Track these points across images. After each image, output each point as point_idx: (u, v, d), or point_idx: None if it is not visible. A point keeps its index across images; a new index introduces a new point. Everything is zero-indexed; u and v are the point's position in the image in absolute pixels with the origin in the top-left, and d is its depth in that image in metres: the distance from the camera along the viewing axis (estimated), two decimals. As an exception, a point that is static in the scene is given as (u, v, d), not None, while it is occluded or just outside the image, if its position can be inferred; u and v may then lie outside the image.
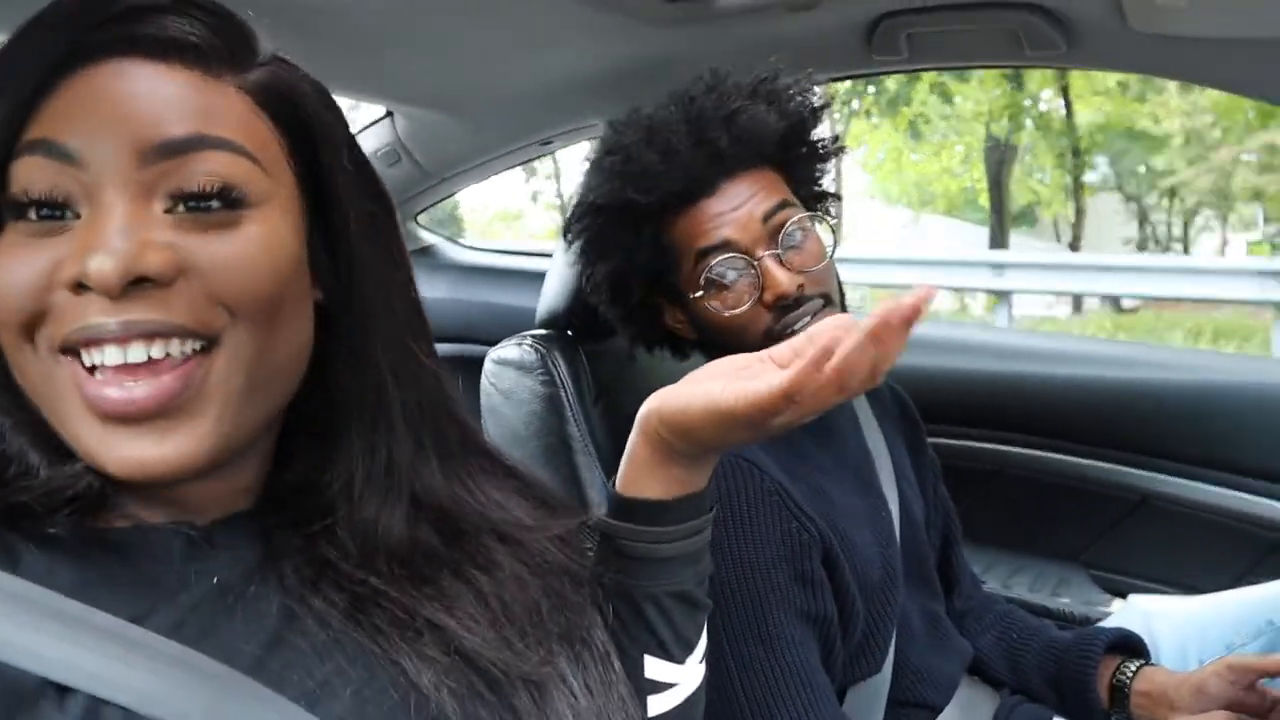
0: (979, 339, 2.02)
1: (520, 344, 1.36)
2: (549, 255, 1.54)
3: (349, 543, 0.65)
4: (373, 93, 1.83)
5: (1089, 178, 16.81)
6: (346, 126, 0.67)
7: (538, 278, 1.51)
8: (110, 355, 0.54)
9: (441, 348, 0.74)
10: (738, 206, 1.11)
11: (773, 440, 1.17)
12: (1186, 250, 15.44)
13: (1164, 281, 8.02)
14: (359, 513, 0.66)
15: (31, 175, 0.55)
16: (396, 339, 0.68)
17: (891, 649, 1.20)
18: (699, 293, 1.12)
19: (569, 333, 1.41)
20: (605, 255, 1.17)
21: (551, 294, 1.42)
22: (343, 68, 1.61)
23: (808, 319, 1.10)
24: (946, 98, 12.92)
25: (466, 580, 0.68)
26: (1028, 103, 12.66)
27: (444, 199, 2.28)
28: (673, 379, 1.36)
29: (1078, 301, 11.97)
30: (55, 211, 0.55)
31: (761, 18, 1.46)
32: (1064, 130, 13.51)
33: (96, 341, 0.54)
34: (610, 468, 1.31)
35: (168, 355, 0.55)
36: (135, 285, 0.54)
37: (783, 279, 1.09)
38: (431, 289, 2.28)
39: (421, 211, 2.36)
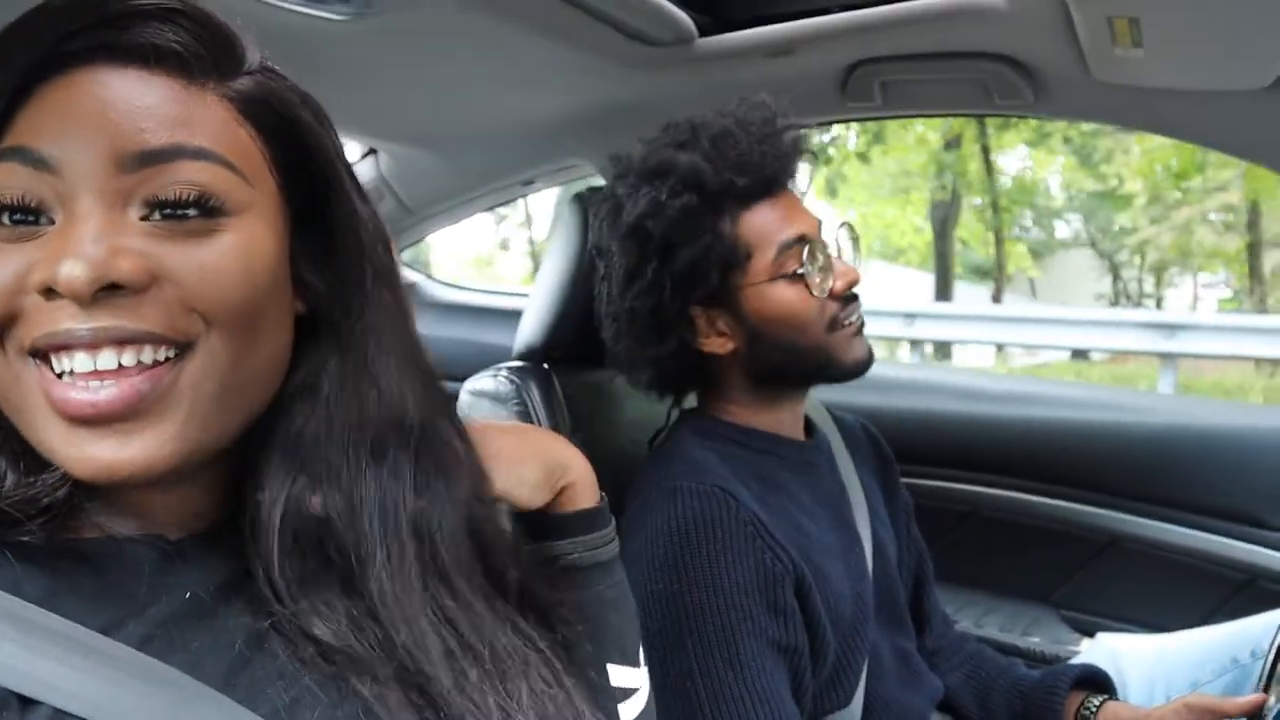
0: (951, 381, 2.05)
1: (495, 375, 1.37)
2: (525, 295, 1.56)
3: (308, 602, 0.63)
4: (355, 129, 1.85)
5: (1061, 233, 17.12)
6: (337, 137, 0.67)
7: (515, 316, 1.52)
8: (80, 362, 0.54)
9: None
10: (800, 209, 1.20)
11: (751, 474, 1.19)
12: (1159, 305, 15.65)
13: (1061, 332, 8.42)
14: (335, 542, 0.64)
15: (5, 181, 0.55)
16: (388, 353, 0.67)
17: (862, 683, 1.21)
18: (779, 277, 1.16)
19: (545, 365, 1.42)
20: (690, 240, 1.15)
21: (529, 327, 1.43)
22: (325, 103, 1.63)
23: (859, 314, 1.21)
24: (865, 160, 13.25)
25: (446, 618, 0.66)
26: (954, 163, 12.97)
27: (425, 237, 2.30)
28: (647, 413, 1.40)
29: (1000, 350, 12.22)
30: (29, 217, 0.55)
31: (741, 63, 1.50)
32: (983, 190, 13.84)
33: (66, 347, 0.54)
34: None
35: (139, 362, 0.55)
36: (107, 292, 0.53)
37: (852, 270, 1.19)
38: (410, 325, 2.28)
39: (404, 249, 2.38)
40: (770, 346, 1.19)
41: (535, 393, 1.34)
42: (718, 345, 1.21)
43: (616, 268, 1.20)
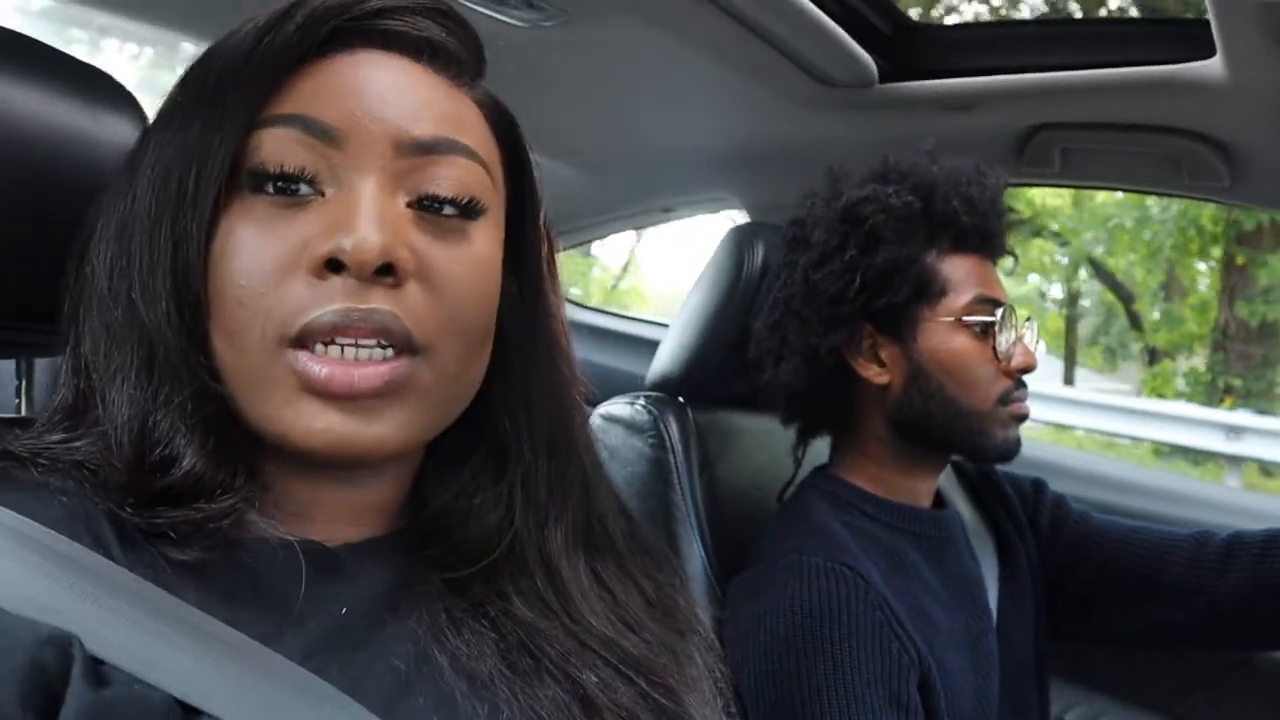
0: (1109, 471, 1.94)
1: (632, 403, 1.33)
2: (662, 324, 1.53)
3: (504, 586, 0.62)
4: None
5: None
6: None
7: (640, 343, 1.49)
8: (347, 351, 0.53)
9: None
10: (1001, 283, 1.19)
11: (881, 552, 1.13)
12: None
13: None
14: (515, 551, 0.63)
15: (283, 149, 0.54)
16: (568, 370, 0.67)
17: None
18: (966, 326, 1.14)
19: (680, 399, 1.38)
20: (898, 241, 1.14)
21: (666, 357, 1.39)
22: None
23: (1025, 400, 1.17)
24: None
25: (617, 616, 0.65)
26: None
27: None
28: (776, 463, 1.35)
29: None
30: (293, 186, 0.54)
31: (915, 113, 1.46)
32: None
33: (345, 330, 0.52)
34: (707, 544, 1.27)
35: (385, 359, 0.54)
36: (377, 275, 0.53)
37: (1033, 354, 1.15)
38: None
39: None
40: (928, 393, 1.14)
41: (673, 426, 1.30)
42: (872, 373, 1.17)
43: (814, 247, 1.18)
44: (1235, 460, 7.98)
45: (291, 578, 0.55)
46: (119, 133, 0.66)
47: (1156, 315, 11.74)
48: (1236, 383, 9.68)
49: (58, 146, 0.63)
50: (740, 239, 1.35)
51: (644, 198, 1.99)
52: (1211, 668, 1.67)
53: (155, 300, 0.54)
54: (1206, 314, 10.41)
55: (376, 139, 0.55)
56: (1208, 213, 9.65)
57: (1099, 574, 1.31)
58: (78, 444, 0.54)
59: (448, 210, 0.57)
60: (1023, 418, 1.16)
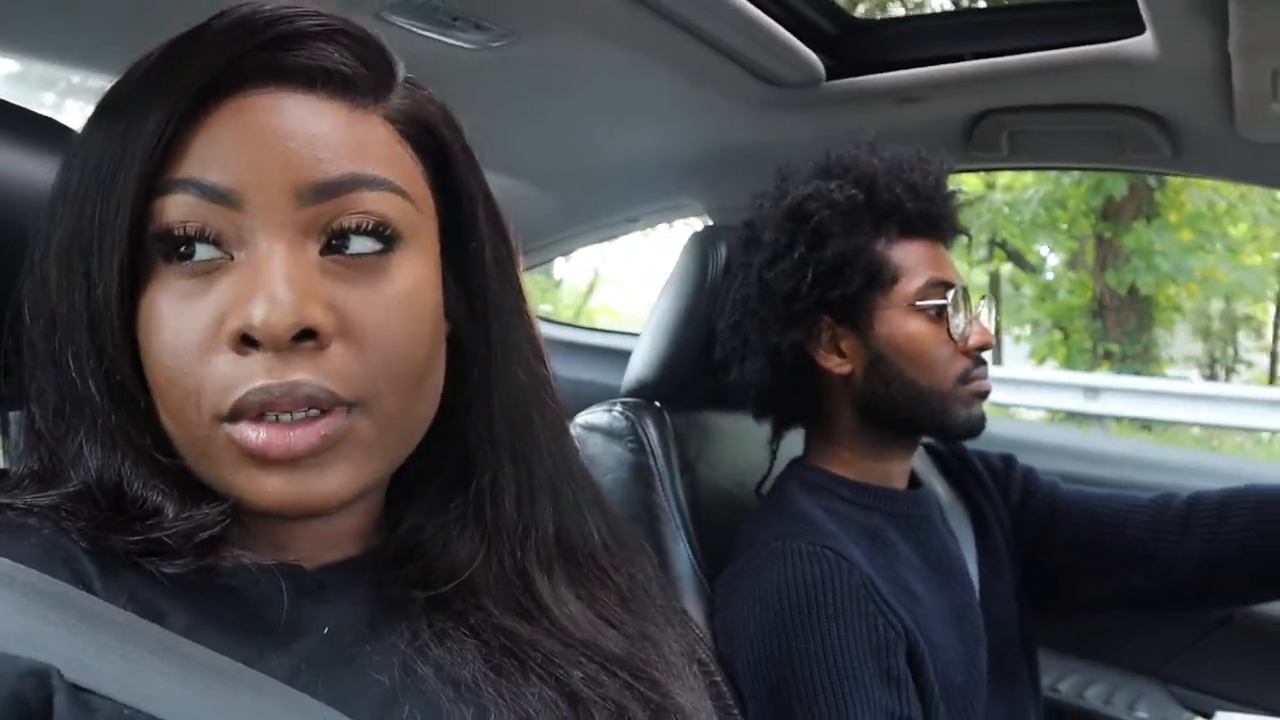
0: (1075, 443, 1.97)
1: (610, 410, 1.35)
2: (632, 334, 1.54)
3: (482, 598, 0.62)
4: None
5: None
6: (470, 148, 0.64)
7: (613, 354, 1.50)
8: (282, 417, 0.52)
9: None
10: (952, 263, 1.21)
11: (860, 532, 1.15)
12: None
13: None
14: (491, 566, 0.63)
15: (182, 217, 0.52)
16: (527, 372, 0.65)
17: (972, 754, 1.15)
18: (921, 310, 1.16)
19: (656, 403, 1.40)
20: (844, 234, 1.16)
21: (641, 363, 1.41)
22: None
23: (986, 378, 1.19)
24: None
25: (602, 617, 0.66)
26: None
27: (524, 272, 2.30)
28: (755, 459, 1.37)
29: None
30: (200, 254, 0.52)
31: (865, 108, 1.49)
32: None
33: (271, 406, 0.51)
34: (693, 543, 1.29)
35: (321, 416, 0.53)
36: (297, 341, 0.51)
37: (988, 332, 1.18)
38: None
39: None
40: (889, 378, 1.17)
41: (651, 430, 1.32)
42: (834, 364, 1.20)
43: (765, 247, 1.20)
44: (1100, 419, 8.23)
45: (273, 600, 0.55)
46: None
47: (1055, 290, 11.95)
48: (1114, 348, 10.05)
49: (16, 203, 0.62)
50: (703, 242, 1.37)
51: (606, 210, 2.00)
52: (1195, 627, 1.70)
53: (87, 380, 0.54)
54: (1085, 285, 10.72)
55: (275, 194, 0.52)
56: (1072, 191, 9.93)
57: (1067, 545, 1.34)
58: (53, 494, 0.55)
59: (362, 249, 0.54)
60: (984, 394, 1.20)
